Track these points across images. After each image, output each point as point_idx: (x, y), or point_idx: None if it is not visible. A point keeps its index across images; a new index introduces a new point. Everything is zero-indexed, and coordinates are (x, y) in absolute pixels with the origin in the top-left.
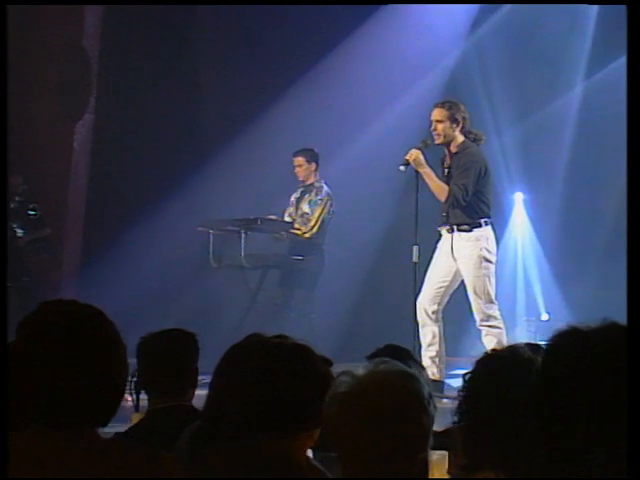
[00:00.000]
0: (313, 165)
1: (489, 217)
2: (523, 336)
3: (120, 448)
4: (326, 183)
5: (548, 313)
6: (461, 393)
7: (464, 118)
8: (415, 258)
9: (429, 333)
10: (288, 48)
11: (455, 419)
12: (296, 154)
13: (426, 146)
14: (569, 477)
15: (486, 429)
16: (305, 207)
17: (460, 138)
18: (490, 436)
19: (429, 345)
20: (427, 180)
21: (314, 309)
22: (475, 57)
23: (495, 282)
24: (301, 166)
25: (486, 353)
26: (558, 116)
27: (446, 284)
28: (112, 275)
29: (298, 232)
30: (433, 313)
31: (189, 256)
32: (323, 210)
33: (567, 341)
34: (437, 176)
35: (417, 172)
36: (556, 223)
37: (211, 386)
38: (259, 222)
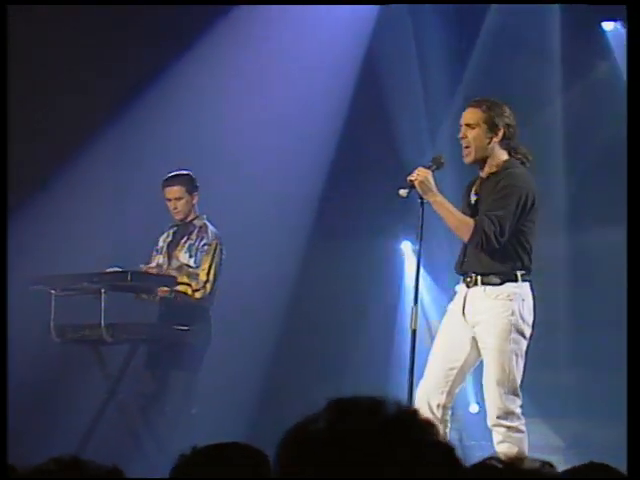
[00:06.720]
0: (195, 197)
1: (529, 271)
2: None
3: None
4: (209, 220)
5: (478, 403)
6: None
7: (508, 126)
8: (413, 324)
9: None
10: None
11: None
12: (170, 183)
13: (439, 166)
14: None
15: None
16: (183, 256)
17: (502, 155)
18: None
19: None
20: (441, 211)
21: (196, 402)
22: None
23: (523, 367)
24: (180, 199)
25: None
26: None
27: (460, 363)
28: None
29: (186, 290)
30: (439, 407)
31: (17, 326)
32: (214, 259)
33: None
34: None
35: (422, 200)
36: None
37: None
38: (129, 277)
